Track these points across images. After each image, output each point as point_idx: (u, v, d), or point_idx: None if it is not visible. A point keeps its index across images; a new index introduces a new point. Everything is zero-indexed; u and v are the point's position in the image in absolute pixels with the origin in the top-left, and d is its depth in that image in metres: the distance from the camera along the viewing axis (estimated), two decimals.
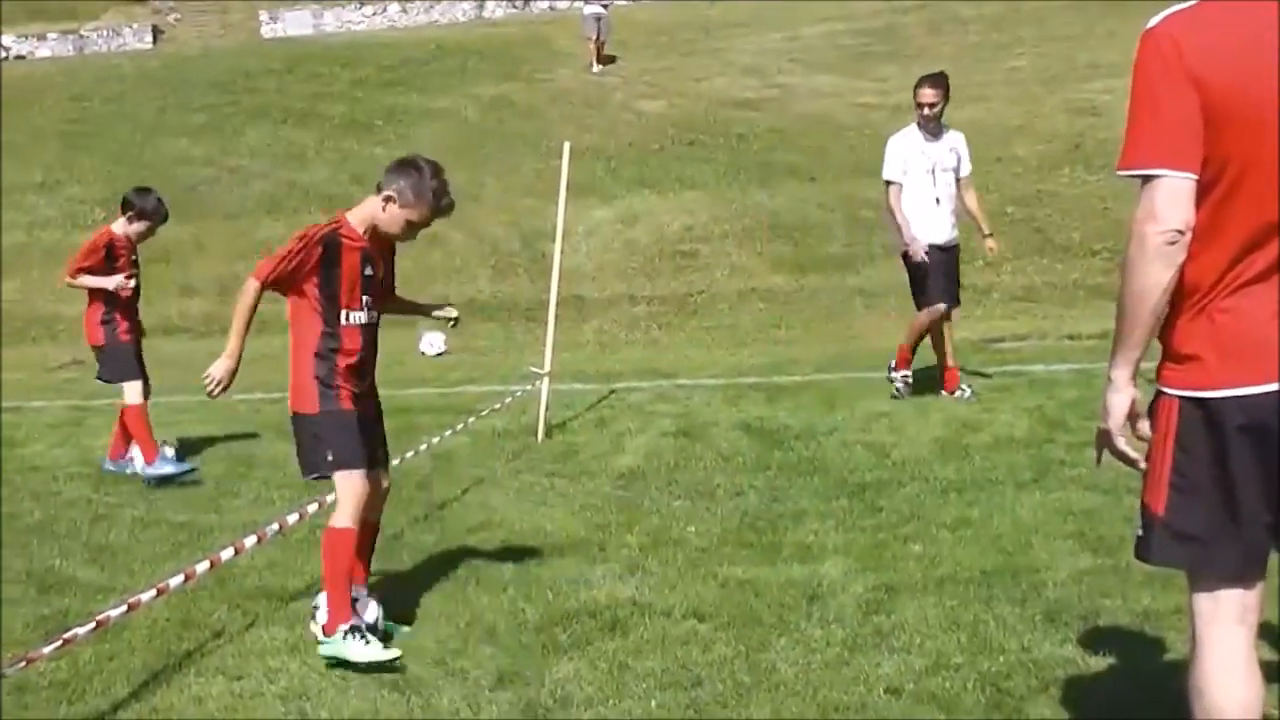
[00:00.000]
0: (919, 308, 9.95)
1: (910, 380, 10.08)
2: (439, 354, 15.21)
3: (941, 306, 9.93)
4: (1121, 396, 3.16)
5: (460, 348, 15.52)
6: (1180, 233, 3.02)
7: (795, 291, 16.31)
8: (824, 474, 7.86)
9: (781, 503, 7.28)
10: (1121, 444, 3.19)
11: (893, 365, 10.12)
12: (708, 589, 5.85)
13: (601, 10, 26.92)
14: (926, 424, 9.03)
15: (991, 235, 10.23)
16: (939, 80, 9.94)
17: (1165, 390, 3.16)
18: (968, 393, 9.90)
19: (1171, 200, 3.02)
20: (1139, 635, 4.98)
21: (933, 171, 9.91)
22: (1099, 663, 4.75)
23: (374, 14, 34.24)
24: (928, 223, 9.87)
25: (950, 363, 10.05)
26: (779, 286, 16.53)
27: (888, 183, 10.02)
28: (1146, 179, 3.05)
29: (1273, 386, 3.02)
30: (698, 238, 18.44)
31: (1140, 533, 3.24)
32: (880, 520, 6.82)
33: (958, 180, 9.98)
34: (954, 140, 10.01)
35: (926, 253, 9.79)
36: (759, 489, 7.61)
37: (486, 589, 5.98)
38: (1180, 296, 3.12)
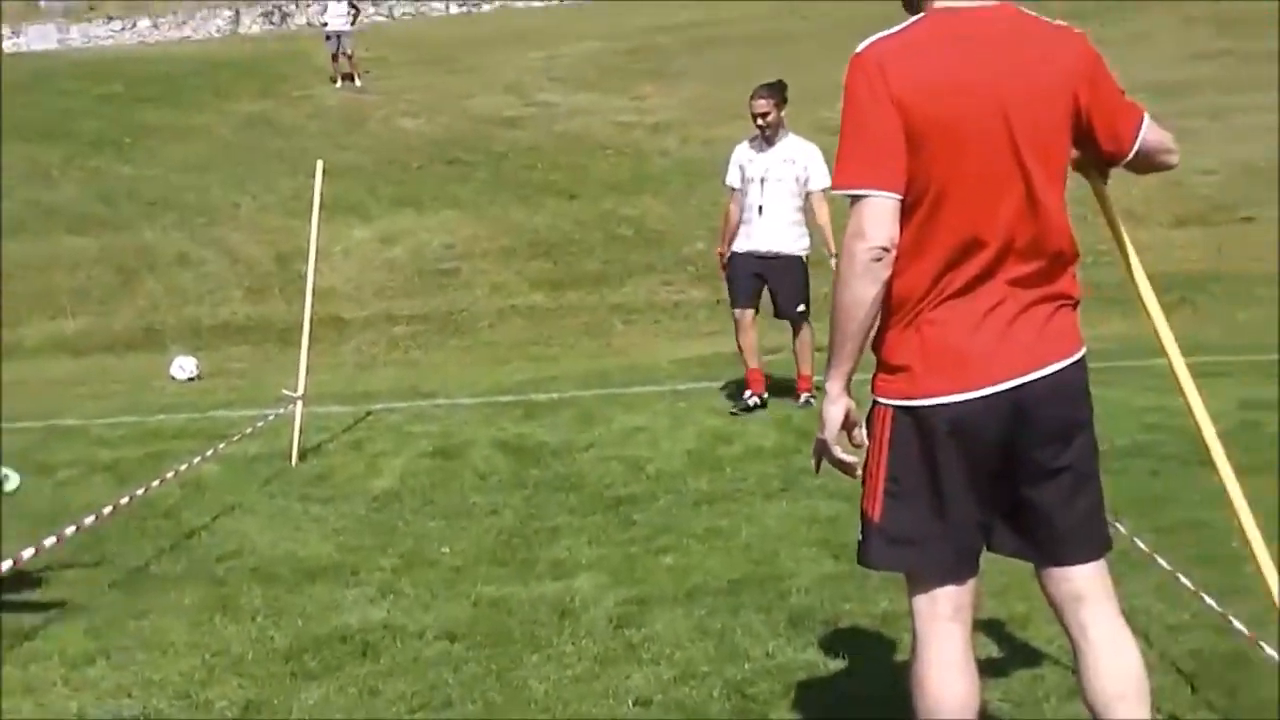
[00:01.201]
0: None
1: (754, 403, 9.97)
2: (190, 378, 14.81)
3: (743, 313, 10.01)
4: (836, 408, 3.28)
5: (213, 371, 15.15)
6: (885, 249, 3.15)
7: (554, 309, 16.39)
8: (579, 490, 7.93)
9: (537, 520, 7.32)
10: (838, 452, 3.32)
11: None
12: (461, 609, 5.85)
13: (344, 26, 26.68)
14: (681, 437, 9.18)
15: (836, 256, 10.12)
16: (770, 90, 9.93)
17: (879, 400, 3.31)
18: (749, 401, 10.02)
19: (877, 218, 3.15)
20: (876, 636, 5.17)
21: (760, 181, 9.96)
22: (838, 665, 4.91)
23: (123, 29, 33.22)
24: (749, 231, 9.99)
25: (804, 370, 10.05)
26: (539, 304, 16.60)
27: (731, 189, 10.13)
28: (855, 198, 3.18)
29: (976, 394, 3.19)
30: (458, 256, 18.39)
31: (861, 539, 3.38)
32: (634, 534, 6.91)
33: (809, 193, 9.95)
34: (793, 151, 9.95)
35: (730, 259, 9.98)
36: (515, 507, 7.63)
37: (234, 618, 5.86)
38: (891, 309, 3.27)
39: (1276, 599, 3.91)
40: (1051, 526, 3.30)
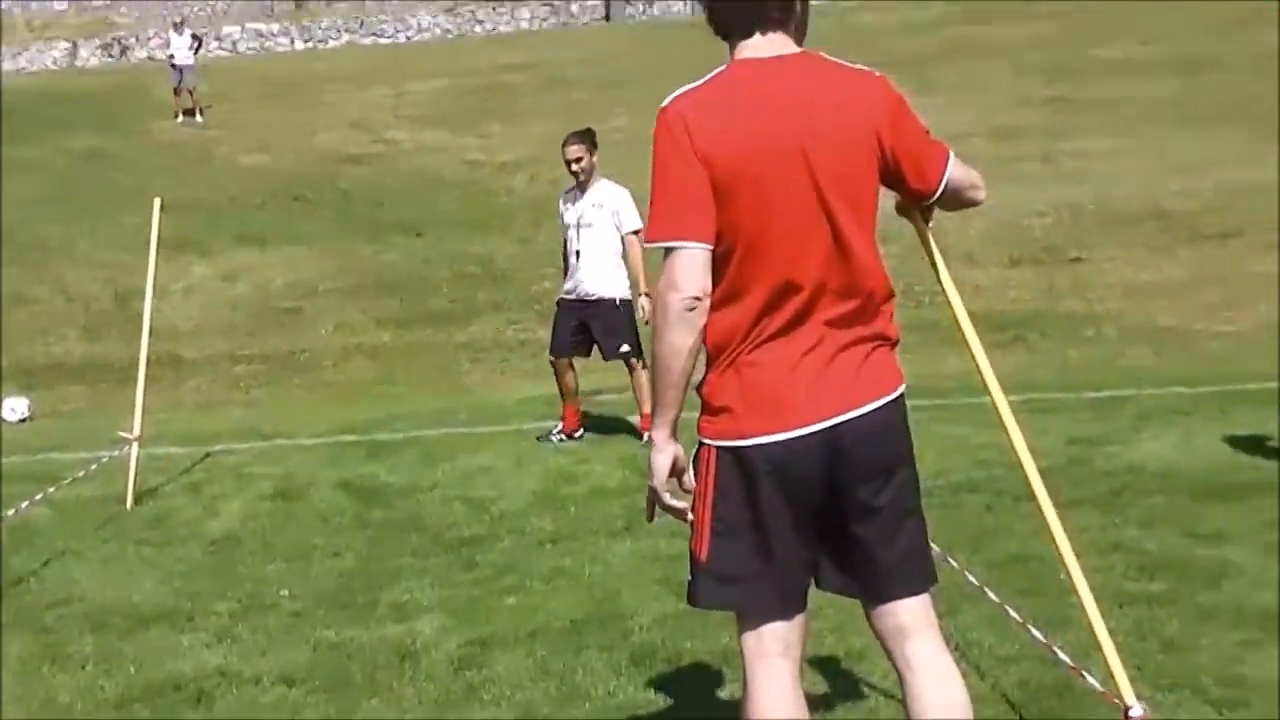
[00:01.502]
0: None
1: (559, 440, 10.21)
2: (22, 419, 14.38)
3: (555, 359, 10.21)
4: (663, 455, 3.34)
5: (46, 412, 14.73)
6: (697, 299, 3.23)
7: (400, 347, 16.27)
8: (423, 531, 7.86)
9: (379, 562, 7.24)
10: (667, 499, 3.37)
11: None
12: (300, 653, 5.76)
13: (187, 60, 26.31)
14: (526, 477, 9.16)
15: (648, 295, 10.30)
16: (581, 137, 10.10)
17: (703, 441, 3.37)
18: (553, 437, 10.20)
19: (688, 270, 3.24)
20: (717, 674, 5.21)
21: (577, 227, 10.11)
22: (678, 702, 4.95)
23: None
24: (571, 277, 10.19)
25: (644, 410, 10.08)
26: (384, 342, 16.46)
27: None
28: (667, 250, 3.26)
29: (794, 433, 3.26)
30: (302, 294, 18.16)
31: (690, 579, 3.43)
32: (477, 575, 6.88)
33: (623, 236, 10.05)
34: (602, 196, 10.06)
35: (556, 305, 10.14)
36: (357, 549, 7.55)
37: (63, 667, 5.69)
38: (712, 353, 3.35)
39: (1096, 631, 4.04)
40: (874, 563, 3.37)
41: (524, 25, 33.50)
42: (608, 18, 33.02)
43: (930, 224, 3.75)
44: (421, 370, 15.47)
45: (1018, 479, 7.74)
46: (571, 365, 10.29)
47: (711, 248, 3.26)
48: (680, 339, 3.25)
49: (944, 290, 3.89)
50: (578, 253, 10.12)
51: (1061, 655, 4.86)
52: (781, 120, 3.26)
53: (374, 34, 33.54)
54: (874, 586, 3.41)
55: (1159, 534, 6.81)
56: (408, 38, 33.65)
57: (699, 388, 3.37)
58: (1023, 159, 20.26)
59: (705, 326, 3.31)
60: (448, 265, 18.66)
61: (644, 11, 32.32)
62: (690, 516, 3.40)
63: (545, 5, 33.74)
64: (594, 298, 10.09)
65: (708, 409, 3.35)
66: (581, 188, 10.12)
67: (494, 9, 33.76)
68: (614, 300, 10.11)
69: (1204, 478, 7.99)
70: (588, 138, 10.14)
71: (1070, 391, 11.33)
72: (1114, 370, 12.88)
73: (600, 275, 10.09)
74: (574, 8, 33.51)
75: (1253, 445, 8.79)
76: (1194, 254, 16.80)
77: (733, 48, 3.40)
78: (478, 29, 33.61)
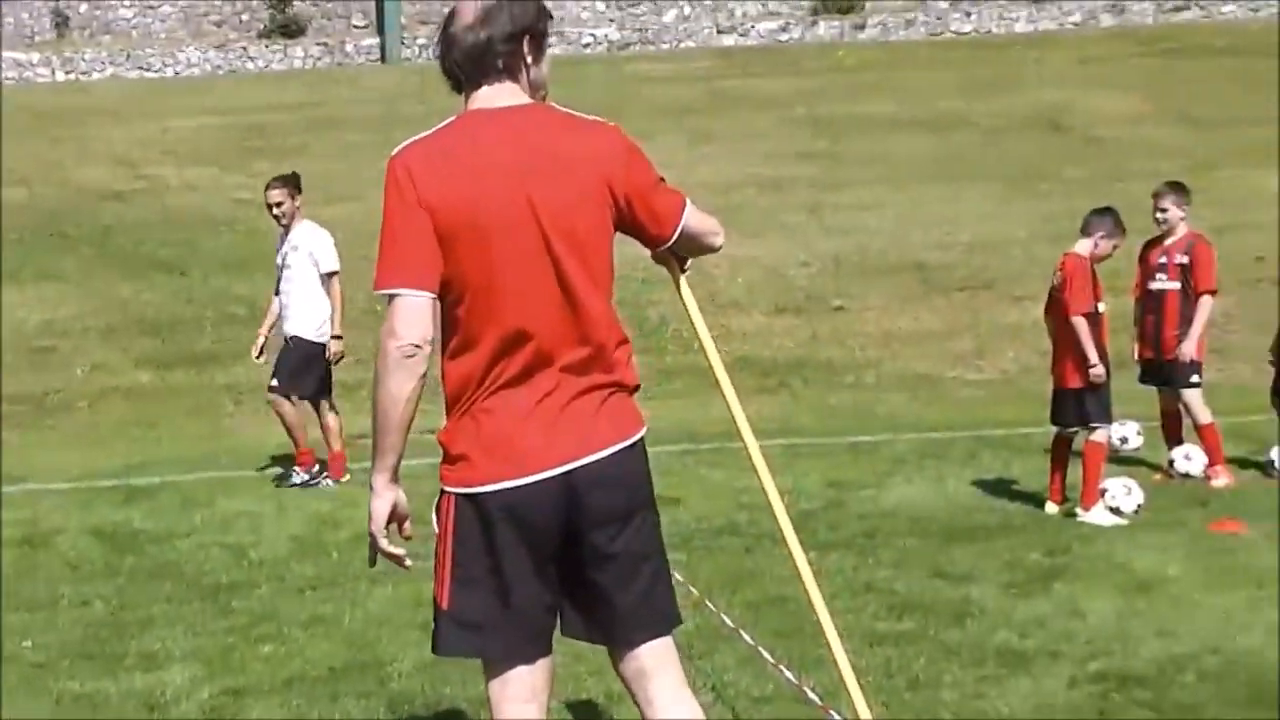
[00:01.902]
0: None
1: (298, 481, 10.18)
2: None
3: (274, 399, 10.22)
4: (381, 501, 3.36)
5: None
6: (418, 346, 3.27)
7: (160, 389, 15.77)
8: (177, 578, 7.64)
9: (130, 610, 7.01)
10: (384, 545, 3.38)
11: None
12: (42, 706, 5.55)
13: None
14: (287, 523, 8.99)
15: (338, 337, 10.24)
16: (283, 181, 10.26)
17: (443, 488, 3.39)
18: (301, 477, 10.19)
19: (408, 317, 3.28)
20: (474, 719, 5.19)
21: (281, 268, 10.24)
22: None
23: None
24: (281, 318, 10.24)
25: (336, 448, 10.23)
26: (143, 384, 15.93)
27: None
28: (390, 298, 3.29)
29: (529, 479, 3.31)
30: (57, 333, 17.48)
31: (434, 625, 3.42)
32: (232, 622, 6.72)
33: (323, 277, 10.08)
34: (302, 238, 10.15)
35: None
36: (106, 597, 7.29)
37: None
38: (450, 401, 3.38)
39: (844, 671, 4.15)
40: (613, 608, 3.41)
41: (297, 63, 33.00)
42: (383, 59, 32.78)
43: (687, 272, 3.83)
44: (182, 412, 15.02)
45: (772, 523, 7.95)
46: (295, 403, 10.27)
47: (434, 296, 3.30)
48: (399, 386, 3.28)
49: (698, 336, 3.97)
50: (277, 292, 10.30)
51: (812, 695, 4.99)
52: (507, 170, 3.31)
53: (140, 67, 32.64)
54: (615, 631, 3.45)
55: (908, 575, 7.05)
56: (176, 72, 32.80)
57: (439, 436, 3.39)
58: (789, 210, 20.77)
59: (445, 375, 3.34)
60: (211, 305, 18.20)
61: (420, 54, 32.18)
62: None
63: (319, 44, 33.34)
64: (295, 337, 10.16)
65: (446, 457, 3.38)
66: (286, 230, 10.22)
67: (266, 46, 33.21)
68: (296, 337, 10.16)
69: (952, 520, 8.31)
70: (290, 182, 10.32)
71: (830, 436, 11.64)
72: (872, 416, 13.29)
73: (294, 315, 10.17)
74: (349, 47, 33.18)
75: (998, 488, 9.19)
76: (948, 304, 17.44)
77: (466, 98, 3.45)
78: (249, 65, 32.96)
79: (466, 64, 3.40)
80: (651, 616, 3.46)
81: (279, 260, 10.29)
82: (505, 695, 3.40)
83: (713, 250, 3.73)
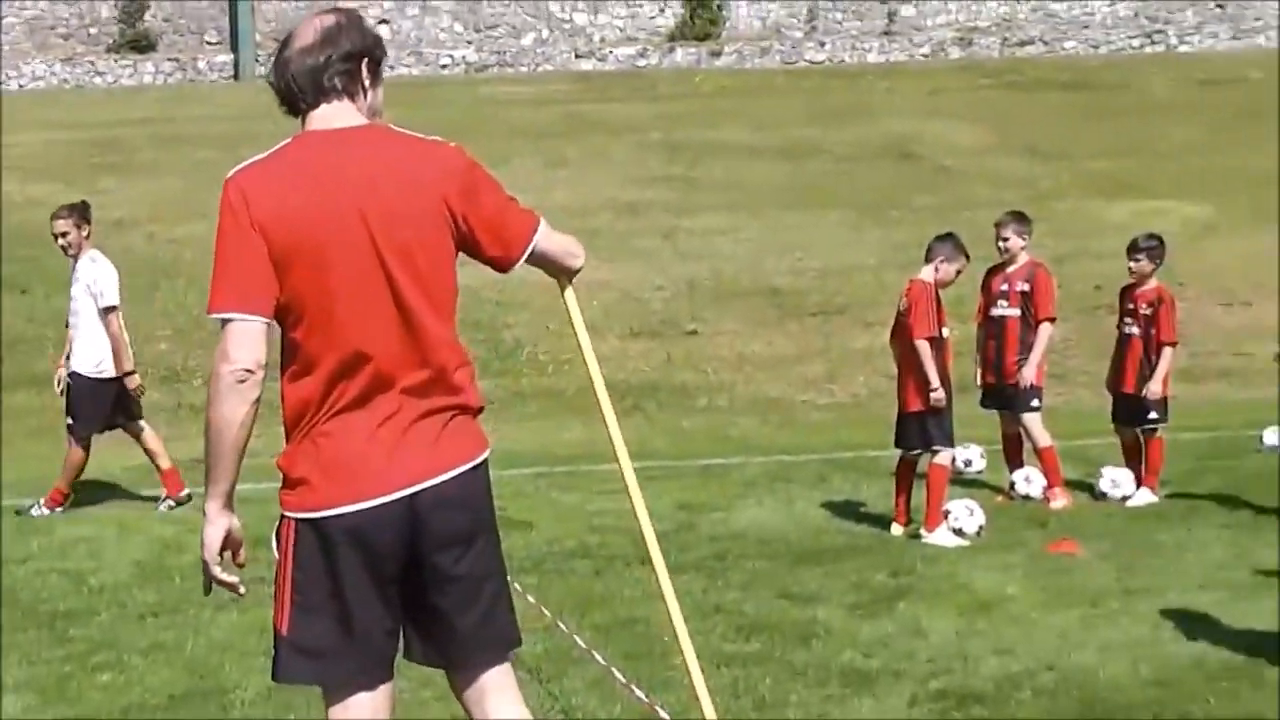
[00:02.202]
0: None
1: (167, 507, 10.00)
2: None
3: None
4: (214, 529, 3.34)
5: None
6: (249, 371, 3.26)
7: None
8: (12, 606, 7.42)
9: None
10: (217, 572, 3.35)
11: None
12: None
13: None
14: (129, 547, 8.79)
15: (131, 373, 10.04)
16: (70, 210, 9.99)
17: (284, 513, 3.35)
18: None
19: (240, 341, 3.27)
20: None
21: (70, 299, 10.03)
22: None
23: None
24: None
25: (165, 466, 10.08)
26: None
27: None
28: (224, 322, 3.28)
29: (371, 502, 3.29)
30: None
31: (274, 652, 3.39)
32: (69, 651, 6.55)
33: (101, 311, 9.82)
34: (84, 271, 9.90)
35: None
36: None
37: None
38: (289, 425, 3.36)
39: (698, 689, 4.17)
40: (454, 631, 3.41)
41: (148, 79, 32.37)
42: (236, 76, 32.29)
43: (568, 285, 3.80)
44: (22, 434, 14.60)
45: (628, 545, 8.01)
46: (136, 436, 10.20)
47: (267, 320, 3.29)
48: (231, 410, 3.25)
49: (584, 357, 3.94)
50: (68, 323, 10.12)
51: (664, 714, 5.03)
52: (343, 191, 3.30)
53: None
54: (455, 654, 3.45)
55: (757, 596, 7.14)
56: (20, 85, 31.98)
57: (278, 461, 3.36)
58: (644, 234, 20.90)
59: (283, 398, 3.32)
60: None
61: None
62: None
63: (170, 60, 32.74)
64: (75, 373, 9.95)
65: (286, 481, 3.36)
66: (74, 260, 9.97)
67: (116, 61, 32.52)
68: (75, 374, 9.96)
69: (801, 542, 8.43)
70: (77, 211, 10.04)
71: (682, 459, 11.73)
72: (724, 439, 13.42)
73: (76, 350, 9.98)
74: (201, 64, 32.64)
75: (847, 510, 9.34)
76: (800, 329, 17.70)
77: (303, 120, 3.43)
78: (97, 80, 32.26)
79: (305, 85, 3.39)
80: (492, 638, 3.47)
81: (71, 293, 10.04)
82: None
83: (572, 271, 3.70)
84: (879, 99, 29.21)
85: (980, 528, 8.37)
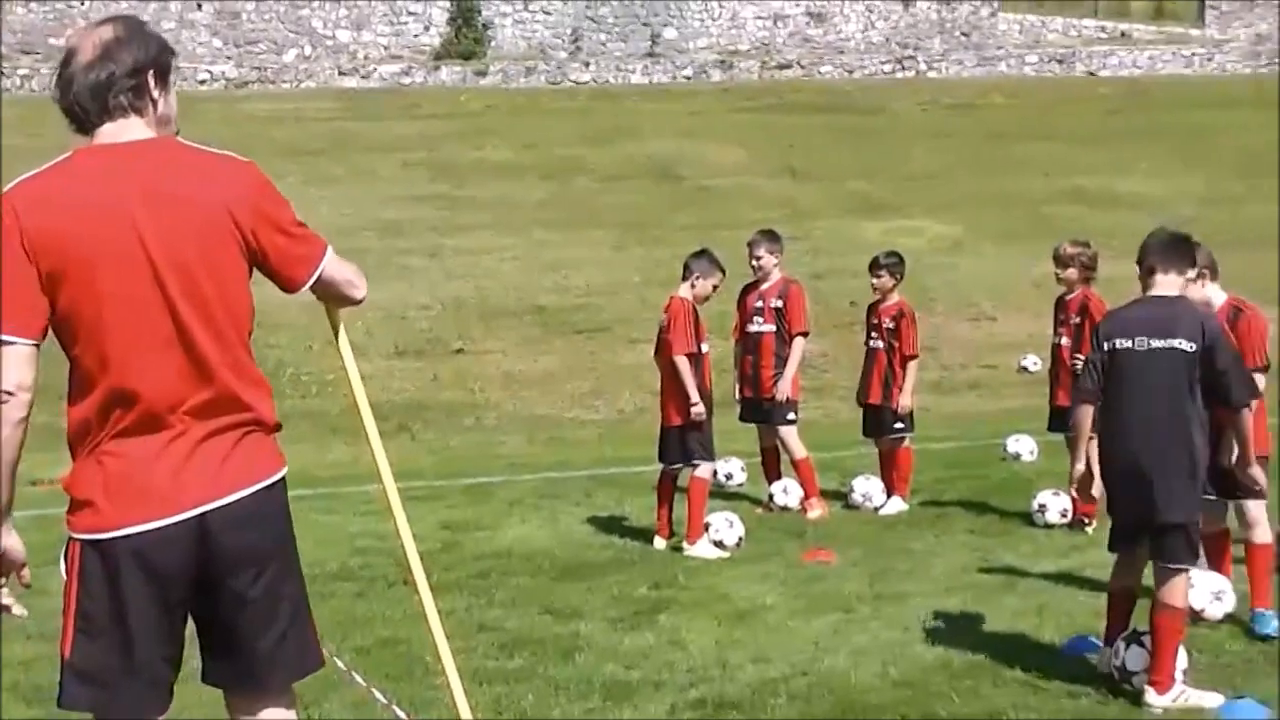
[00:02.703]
0: None
1: None
2: None
3: None
4: None
5: None
6: (11, 394, 3.16)
7: None
8: None
9: None
10: None
11: None
12: None
13: None
14: None
15: None
16: None
17: (70, 535, 3.27)
18: None
19: (6, 364, 3.16)
20: None
21: None
22: None
23: None
24: None
25: None
26: None
27: None
28: None
29: (158, 524, 3.21)
30: None
31: (60, 678, 3.30)
32: None
33: None
34: None
35: None
36: None
37: None
38: (74, 445, 3.27)
39: (459, 708, 4.16)
40: (252, 652, 3.34)
41: None
42: None
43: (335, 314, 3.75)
44: None
45: (390, 565, 7.94)
46: None
47: (35, 342, 3.18)
48: None
49: (349, 377, 3.88)
50: None
51: None
52: (120, 208, 3.20)
53: None
54: (253, 675, 3.37)
55: (520, 613, 7.16)
56: None
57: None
58: (409, 253, 20.81)
59: (67, 418, 3.23)
60: None
61: (21, 84, 30.63)
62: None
63: None
64: None
65: (72, 503, 3.25)
66: None
67: None
68: None
69: (565, 558, 8.48)
70: None
71: (449, 478, 11.68)
72: (492, 457, 13.41)
73: None
74: None
75: (611, 525, 9.43)
76: (566, 346, 17.84)
77: (91, 136, 3.32)
78: None
79: (89, 105, 3.27)
80: (291, 659, 3.41)
81: None
82: None
83: (353, 302, 3.60)
84: (642, 120, 29.64)
85: (740, 539, 8.55)
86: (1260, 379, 6.55)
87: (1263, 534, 6.65)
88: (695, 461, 8.61)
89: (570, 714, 5.60)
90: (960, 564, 8.07)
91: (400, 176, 24.98)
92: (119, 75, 3.26)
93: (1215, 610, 6.59)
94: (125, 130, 3.29)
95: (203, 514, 3.24)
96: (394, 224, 22.15)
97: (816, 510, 9.58)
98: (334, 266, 3.48)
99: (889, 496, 9.77)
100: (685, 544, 8.50)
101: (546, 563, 8.34)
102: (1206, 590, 6.59)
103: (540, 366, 17.28)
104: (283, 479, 3.40)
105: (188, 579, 3.26)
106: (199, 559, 3.25)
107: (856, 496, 9.86)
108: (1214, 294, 6.64)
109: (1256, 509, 6.62)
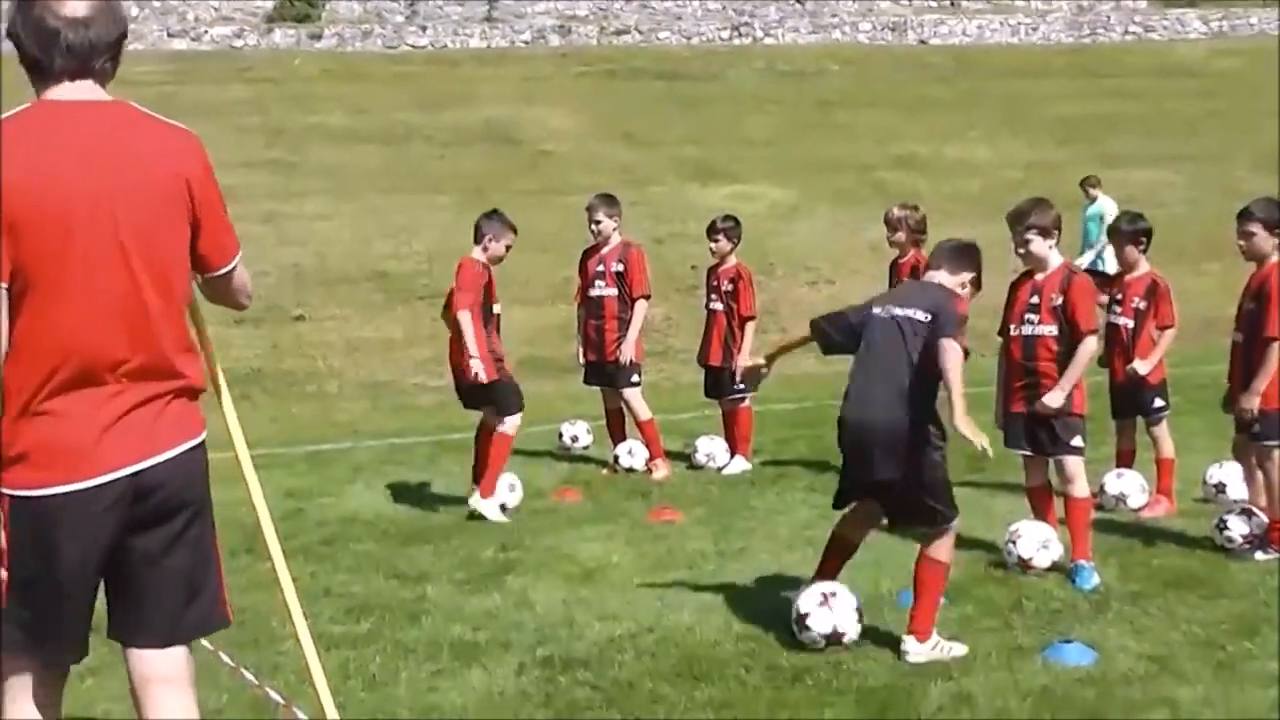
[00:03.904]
0: None
1: None
2: None
3: None
4: None
5: None
6: None
7: None
8: None
9: None
10: None
11: None
12: None
13: None
14: None
15: None
16: None
17: (2, 490, 3.28)
18: None
19: None
20: None
21: None
22: None
23: None
24: None
25: None
26: None
27: None
28: None
29: (91, 482, 3.27)
30: None
31: None
32: None
33: None
34: None
35: None
36: None
37: None
38: (9, 399, 3.27)
39: (313, 671, 4.16)
40: (158, 607, 3.42)
41: None
42: None
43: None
44: None
45: (235, 534, 7.85)
46: None
47: (6, 285, 3.19)
48: None
49: (204, 347, 3.87)
50: None
51: (275, 696, 5.00)
52: (81, 165, 3.22)
53: None
54: (162, 631, 3.45)
55: (366, 578, 7.15)
56: None
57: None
58: (245, 219, 20.37)
59: (5, 372, 3.23)
60: None
61: None
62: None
63: None
64: None
65: (4, 458, 3.26)
66: None
67: None
68: None
69: (411, 523, 8.48)
70: None
71: (290, 446, 11.57)
72: (334, 424, 13.31)
73: None
74: None
75: (456, 490, 9.43)
76: (409, 313, 17.71)
77: (42, 88, 3.33)
78: None
79: (68, 59, 3.28)
80: (201, 616, 3.52)
81: None
82: (23, 698, 3.38)
83: (240, 308, 3.78)
84: (481, 85, 29.48)
85: (520, 502, 8.61)
86: (1091, 341, 6.84)
87: (1080, 489, 6.94)
88: (501, 416, 8.53)
89: (417, 677, 5.62)
90: (801, 521, 8.26)
91: (233, 142, 24.46)
92: (104, 42, 3.31)
93: (1042, 559, 6.87)
94: (82, 90, 3.32)
95: (135, 473, 3.31)
96: (228, 190, 20.95)
97: (661, 471, 9.71)
98: (242, 269, 3.62)
99: (732, 456, 9.94)
100: (474, 497, 8.45)
101: (392, 528, 8.33)
102: (1034, 540, 6.87)
103: (382, 333, 17.15)
104: (203, 442, 3.49)
105: (113, 536, 3.32)
106: (124, 517, 3.32)
107: (700, 457, 10.02)
108: (1053, 257, 6.92)
109: (1074, 465, 6.90)
